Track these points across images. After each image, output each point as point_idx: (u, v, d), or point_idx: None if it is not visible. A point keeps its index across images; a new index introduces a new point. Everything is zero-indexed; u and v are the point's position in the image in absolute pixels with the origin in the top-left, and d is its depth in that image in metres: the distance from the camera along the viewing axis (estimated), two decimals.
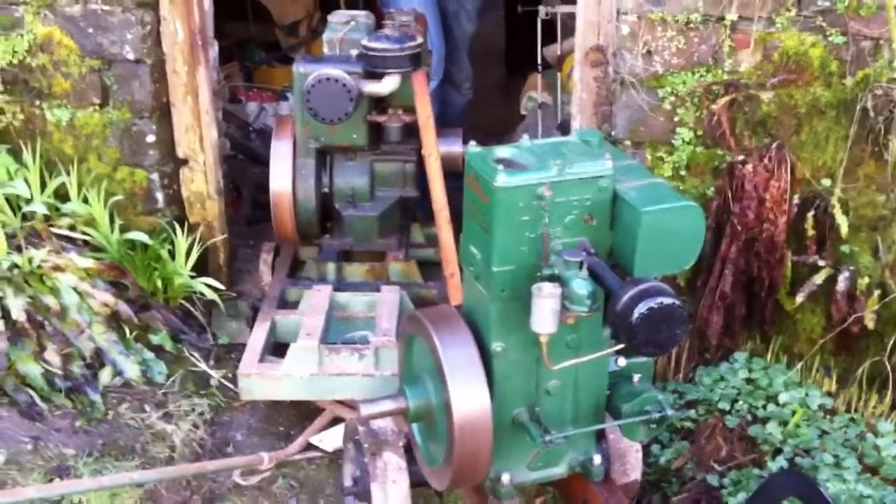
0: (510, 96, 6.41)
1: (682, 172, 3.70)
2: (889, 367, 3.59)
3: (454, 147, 4.27)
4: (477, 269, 2.69)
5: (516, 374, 2.75)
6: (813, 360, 3.78)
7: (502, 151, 2.70)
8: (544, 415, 2.80)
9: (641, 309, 2.34)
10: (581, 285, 2.49)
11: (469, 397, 2.66)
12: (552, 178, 2.55)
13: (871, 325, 3.63)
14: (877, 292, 3.61)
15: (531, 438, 2.73)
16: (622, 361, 2.84)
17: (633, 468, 3.20)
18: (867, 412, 3.56)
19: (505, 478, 2.83)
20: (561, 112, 5.64)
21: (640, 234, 2.53)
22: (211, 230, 4.38)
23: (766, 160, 3.56)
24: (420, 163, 4.20)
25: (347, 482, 3.28)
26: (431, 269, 4.44)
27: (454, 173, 4.18)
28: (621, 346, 2.63)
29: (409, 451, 3.08)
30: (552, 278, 2.57)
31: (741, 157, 3.60)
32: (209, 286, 4.18)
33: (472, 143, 2.70)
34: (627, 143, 3.72)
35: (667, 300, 2.35)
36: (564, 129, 5.68)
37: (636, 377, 2.88)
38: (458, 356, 2.69)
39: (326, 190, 4.22)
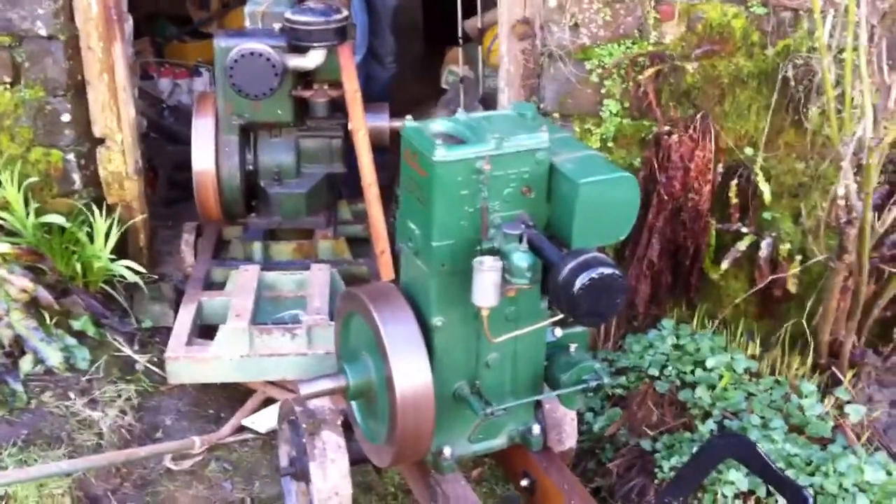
0: (430, 71, 6.39)
1: (610, 144, 3.74)
2: (808, 330, 3.69)
3: (381, 121, 4.23)
4: (416, 244, 2.67)
5: (456, 349, 2.75)
6: (737, 325, 3.87)
7: (438, 125, 2.68)
8: (484, 388, 2.80)
9: (583, 280, 2.35)
10: (521, 258, 2.49)
11: (411, 373, 2.64)
12: (491, 152, 2.54)
13: (793, 289, 3.73)
14: (798, 257, 3.71)
15: (473, 412, 2.74)
16: (559, 332, 2.86)
17: (568, 436, 3.24)
18: (790, 374, 3.66)
19: (447, 451, 2.83)
20: (483, 86, 5.64)
21: (578, 206, 2.54)
22: (130, 211, 4.27)
23: (691, 130, 3.62)
24: (347, 138, 4.15)
25: (284, 463, 3.24)
26: (360, 245, 4.41)
27: (379, 148, 4.16)
28: (559, 317, 2.66)
29: (346, 428, 3.06)
30: (492, 252, 2.57)
31: (667, 128, 3.65)
32: (130, 269, 4.07)
33: (408, 117, 2.67)
34: (556, 115, 3.73)
35: (607, 270, 2.37)
36: (486, 103, 5.68)
37: (573, 347, 2.90)
38: (398, 332, 2.67)
39: (251, 168, 4.14)
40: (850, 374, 3.62)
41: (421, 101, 6.34)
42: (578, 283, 2.35)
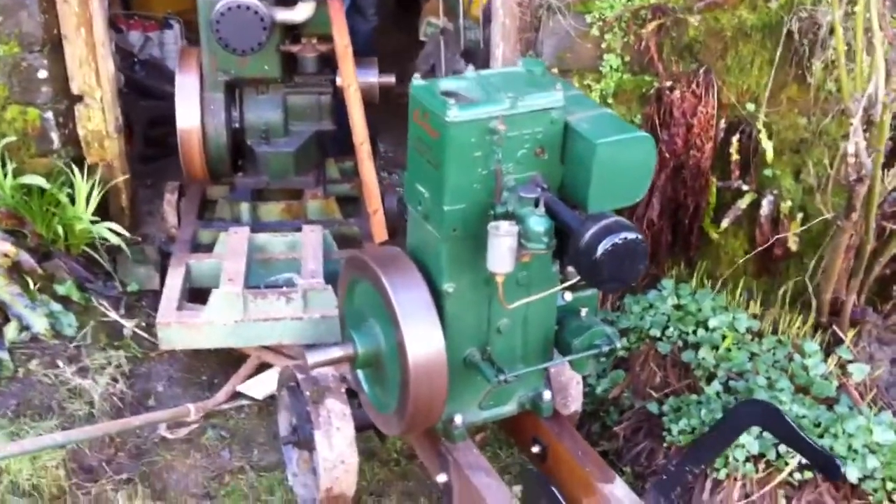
0: (406, 22, 6.24)
1: (610, 100, 3.65)
2: (810, 288, 3.66)
3: (370, 77, 4.10)
4: (425, 208, 2.58)
5: (468, 315, 2.68)
6: (736, 284, 3.83)
7: (449, 83, 2.58)
8: (495, 354, 2.73)
9: (605, 245, 2.28)
10: (538, 222, 2.41)
11: (424, 340, 2.57)
12: (505, 112, 2.44)
13: (794, 247, 3.69)
14: (799, 215, 3.66)
15: (485, 379, 2.67)
16: (569, 296, 2.80)
17: (574, 400, 3.20)
18: (792, 333, 3.62)
19: (457, 419, 2.77)
20: (464, 38, 5.50)
21: (595, 167, 2.46)
22: (111, 171, 4.13)
23: (693, 86, 3.53)
24: (336, 95, 4.02)
25: (284, 430, 3.17)
26: (349, 204, 4.31)
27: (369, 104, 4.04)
28: (573, 281, 2.59)
29: (350, 395, 2.99)
30: (506, 216, 2.48)
31: (669, 84, 3.56)
32: (113, 231, 3.94)
33: (417, 75, 2.56)
34: (554, 70, 3.62)
35: (630, 235, 2.30)
36: (469, 56, 5.54)
37: (583, 311, 2.84)
38: (410, 299, 2.59)
39: (237, 126, 4.00)
40: (851, 333, 3.59)
41: (398, 54, 6.20)
42: (601, 248, 2.28)
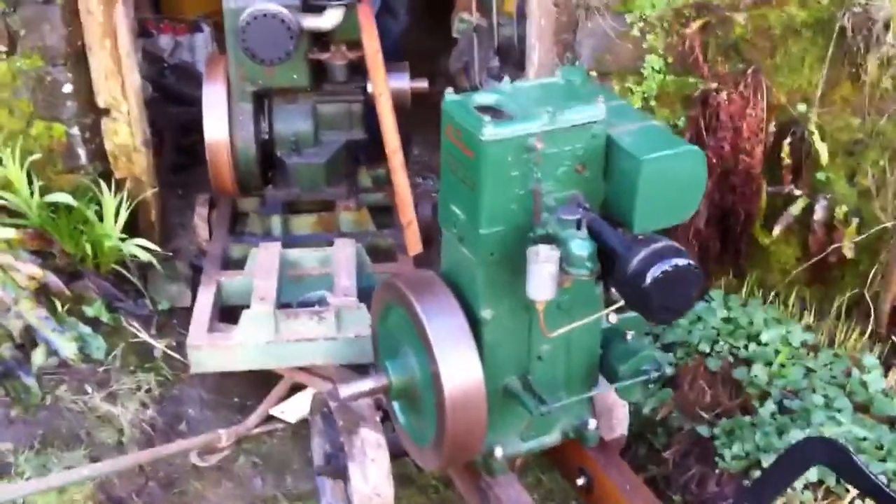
0: (439, 19, 6.07)
1: (652, 103, 3.48)
2: (868, 298, 3.47)
3: (402, 82, 3.97)
4: (461, 230, 2.43)
5: (507, 342, 2.53)
6: (788, 293, 3.65)
7: (483, 97, 2.43)
8: (536, 382, 2.59)
9: (655, 273, 2.12)
10: (581, 246, 2.25)
11: (460, 370, 2.43)
12: (543, 128, 2.29)
13: (849, 254, 3.50)
14: (855, 220, 3.47)
15: (526, 410, 2.53)
16: (614, 318, 2.63)
17: (619, 423, 3.04)
18: (848, 345, 3.44)
19: (498, 451, 2.63)
20: (498, 35, 5.34)
21: (640, 185, 2.30)
22: (140, 185, 4.02)
23: (741, 87, 3.36)
24: (366, 102, 3.89)
25: (318, 457, 3.05)
26: (382, 214, 4.17)
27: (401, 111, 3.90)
28: (618, 304, 2.43)
29: (385, 418, 2.86)
30: (546, 238, 2.33)
31: (715, 85, 3.39)
32: (142, 247, 3.84)
33: (450, 89, 2.42)
34: (593, 73, 3.46)
35: (682, 261, 2.14)
36: (503, 53, 5.39)
37: (629, 334, 2.68)
38: (444, 326, 2.45)
39: (266, 137, 3.89)
40: None
41: (431, 52, 6.05)
42: (650, 276, 2.12)
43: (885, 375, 3.27)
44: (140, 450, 3.20)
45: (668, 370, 2.62)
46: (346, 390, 2.54)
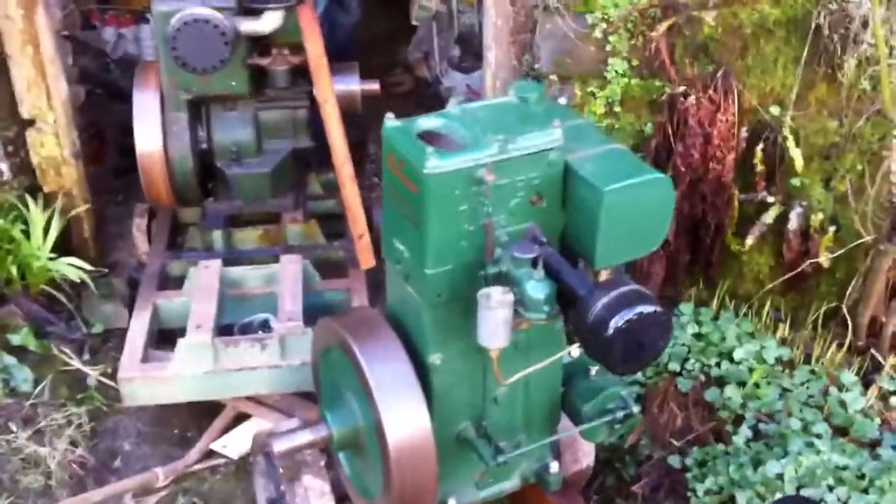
0: (398, 5, 5.80)
1: (617, 109, 3.26)
2: (843, 308, 3.29)
3: (351, 85, 3.72)
4: (406, 267, 2.21)
5: (459, 387, 2.32)
6: (762, 303, 3.46)
7: (427, 122, 2.20)
8: (492, 426, 2.38)
9: (618, 322, 1.91)
10: (537, 288, 2.04)
11: (405, 420, 2.22)
12: (493, 158, 2.06)
13: (826, 263, 3.31)
14: (831, 229, 3.27)
15: (482, 460, 2.32)
16: (576, 352, 2.41)
17: (585, 454, 2.84)
18: (826, 359, 3.26)
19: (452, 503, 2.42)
20: (458, 23, 5.10)
21: (602, 218, 2.09)
22: (71, 199, 3.76)
23: (710, 90, 3.14)
24: (313, 108, 3.64)
25: (262, 502, 2.82)
26: (334, 223, 3.92)
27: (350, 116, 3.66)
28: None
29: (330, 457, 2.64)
30: (499, 278, 2.11)
31: (682, 89, 3.17)
32: (75, 266, 3.58)
33: (390, 115, 2.17)
34: (553, 77, 3.24)
35: (647, 308, 1.93)
36: (463, 41, 5.15)
37: (594, 369, 2.48)
38: (387, 372, 2.23)
39: (205, 147, 3.62)
40: (891, 360, 3.22)
41: (389, 40, 5.79)
42: (613, 325, 1.91)
43: (865, 393, 3.10)
44: (69, 495, 2.96)
45: (636, 410, 2.41)
46: (280, 444, 2.31)
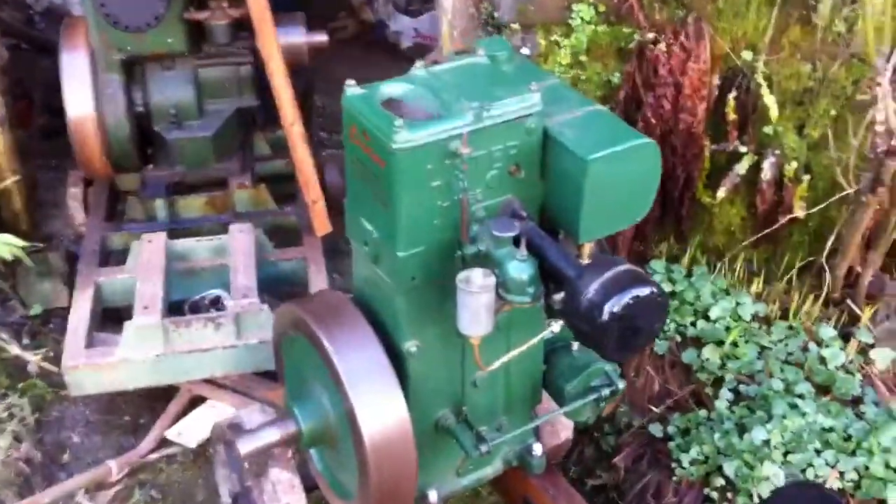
0: None
1: (583, 58, 3.08)
2: (824, 263, 3.18)
3: (296, 37, 3.48)
4: (374, 249, 2.02)
5: (436, 374, 2.16)
6: (734, 256, 3.34)
7: (391, 88, 1.99)
8: (472, 410, 2.24)
9: (613, 307, 1.75)
10: (520, 269, 1.87)
11: (381, 411, 2.06)
12: (469, 127, 1.87)
13: (801, 213, 3.19)
14: (806, 178, 3.15)
15: (464, 451, 2.17)
16: (556, 327, 2.26)
17: (563, 427, 2.71)
18: (802, 314, 3.16)
19: (432, 496, 2.28)
20: None
21: (587, 189, 1.92)
22: None
23: (681, 37, 2.97)
24: (256, 63, 3.40)
25: (225, 497, 2.65)
26: (284, 185, 3.70)
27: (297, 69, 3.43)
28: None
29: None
30: (478, 259, 1.94)
31: (652, 36, 3.00)
32: (7, 243, 3.31)
33: (350, 81, 1.96)
34: (515, 26, 3.04)
35: (644, 291, 1.77)
36: None
37: (575, 345, 2.33)
38: (359, 361, 2.06)
39: (141, 110, 3.37)
40: (868, 311, 3.13)
41: None
42: (607, 311, 1.75)
43: (844, 347, 3.01)
44: (16, 497, 2.76)
45: (621, 385, 2.27)
46: (246, 445, 2.13)
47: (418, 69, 2.03)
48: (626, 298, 1.74)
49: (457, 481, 2.34)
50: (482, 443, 2.14)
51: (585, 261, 2.08)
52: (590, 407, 2.31)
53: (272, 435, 2.15)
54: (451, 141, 1.86)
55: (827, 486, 2.53)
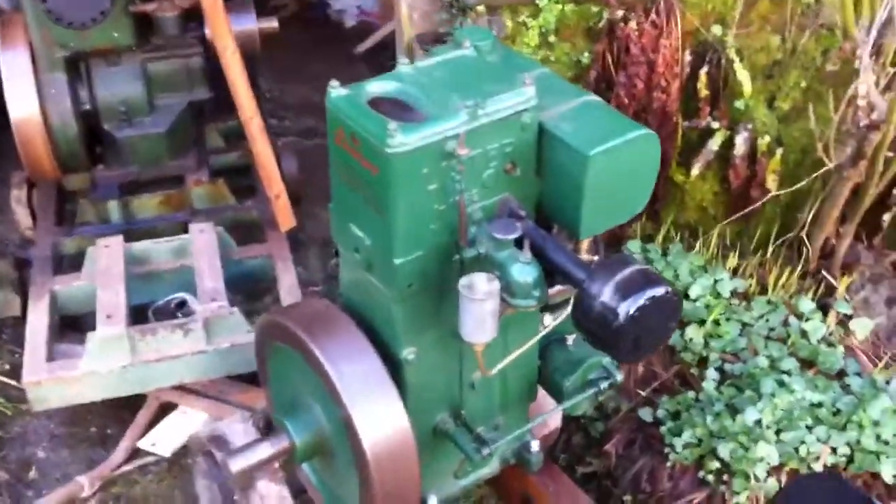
0: None
1: (551, 38, 2.99)
2: (802, 236, 3.17)
3: (248, 24, 3.34)
4: (367, 257, 1.92)
5: (434, 379, 2.09)
6: (707, 231, 3.31)
7: (378, 86, 1.89)
8: (470, 412, 2.16)
9: (628, 309, 1.68)
10: (524, 271, 1.80)
11: (381, 421, 1.97)
12: (465, 127, 1.78)
13: (773, 187, 3.17)
14: (778, 151, 3.13)
15: (466, 456, 2.10)
16: (548, 320, 2.21)
17: (552, 416, 2.65)
18: (780, 288, 3.14)
19: (433, 501, 2.20)
20: None
21: (588, 184, 1.84)
22: None
23: (652, 14, 2.90)
24: (207, 53, 3.25)
25: None
26: (241, 178, 3.56)
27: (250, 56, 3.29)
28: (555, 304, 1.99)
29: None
30: (478, 262, 1.85)
31: (622, 13, 2.93)
32: None
33: (334, 82, 1.85)
34: (480, 8, 2.94)
35: (658, 291, 1.71)
36: None
37: (570, 338, 2.27)
38: (355, 372, 1.97)
39: (88, 108, 3.21)
40: (844, 282, 3.12)
41: None
42: (622, 313, 1.68)
43: (824, 320, 3.00)
44: None
45: (620, 377, 2.22)
46: (237, 463, 2.03)
47: (403, 65, 1.93)
48: (641, 300, 1.68)
49: (455, 484, 2.27)
50: (483, 446, 2.07)
51: (584, 256, 2.03)
52: (588, 400, 2.26)
53: (264, 451, 2.05)
54: (447, 142, 1.77)
55: (820, 461, 2.52)
